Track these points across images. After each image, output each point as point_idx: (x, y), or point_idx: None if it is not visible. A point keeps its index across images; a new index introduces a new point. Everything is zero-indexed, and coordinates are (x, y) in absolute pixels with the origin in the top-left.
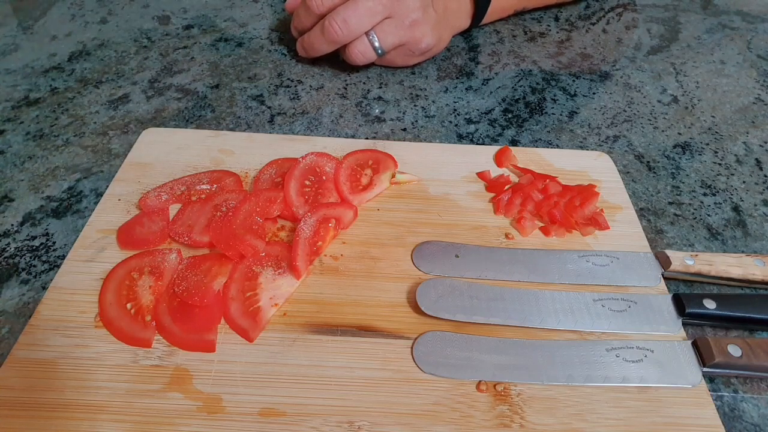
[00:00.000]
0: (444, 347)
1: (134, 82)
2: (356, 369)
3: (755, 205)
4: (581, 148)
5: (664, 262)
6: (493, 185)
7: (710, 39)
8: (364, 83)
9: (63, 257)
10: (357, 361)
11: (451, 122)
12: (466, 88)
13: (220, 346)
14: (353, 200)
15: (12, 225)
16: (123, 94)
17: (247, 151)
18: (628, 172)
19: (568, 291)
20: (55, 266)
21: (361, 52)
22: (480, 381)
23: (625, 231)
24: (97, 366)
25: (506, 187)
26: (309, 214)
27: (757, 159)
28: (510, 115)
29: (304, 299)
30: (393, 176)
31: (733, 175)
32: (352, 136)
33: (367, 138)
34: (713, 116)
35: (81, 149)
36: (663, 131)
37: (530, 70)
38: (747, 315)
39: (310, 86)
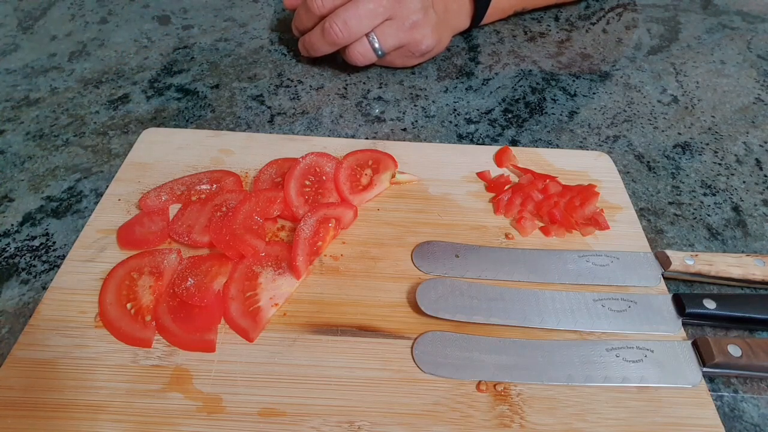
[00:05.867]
0: (444, 347)
1: (134, 82)
2: (356, 369)
3: (755, 205)
4: (581, 148)
5: (664, 262)
6: (493, 185)
7: (710, 39)
8: (364, 83)
9: (63, 257)
10: (357, 361)
11: (451, 122)
12: (466, 88)
13: (220, 346)
14: (353, 200)
15: (12, 225)
16: (123, 94)
17: (247, 151)
18: (628, 172)
19: (568, 291)
20: (55, 266)
21: (361, 54)
22: (480, 381)
23: (625, 231)
24: (97, 366)
25: (506, 187)
26: (309, 214)
27: (757, 159)
28: (510, 115)
29: (304, 299)
30: (393, 176)
31: (733, 175)
32: (352, 136)
33: (367, 138)
34: (713, 116)
35: (81, 149)
36: (663, 131)
37: (530, 70)
38: (747, 315)
39: (310, 86)
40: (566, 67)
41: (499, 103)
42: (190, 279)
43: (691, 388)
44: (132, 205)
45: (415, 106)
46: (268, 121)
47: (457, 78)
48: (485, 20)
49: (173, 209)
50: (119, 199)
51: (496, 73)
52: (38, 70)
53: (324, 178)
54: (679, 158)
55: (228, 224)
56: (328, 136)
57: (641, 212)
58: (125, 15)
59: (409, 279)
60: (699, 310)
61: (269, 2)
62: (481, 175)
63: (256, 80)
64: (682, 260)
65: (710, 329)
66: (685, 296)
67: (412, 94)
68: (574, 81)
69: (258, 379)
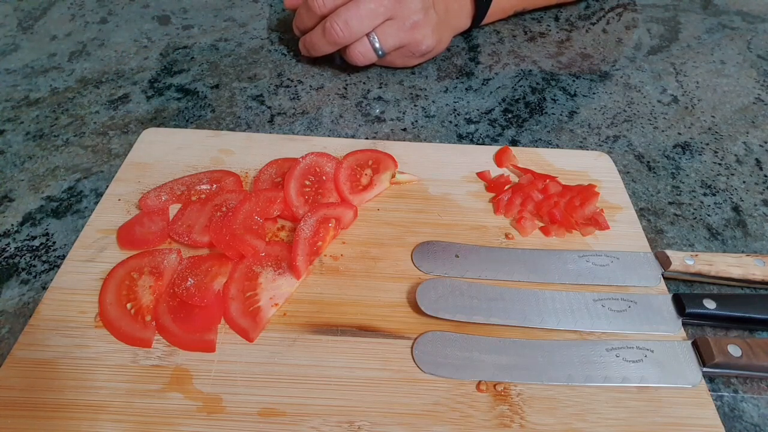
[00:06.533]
0: (444, 347)
1: (134, 82)
2: (356, 369)
3: (755, 205)
4: (581, 148)
5: (664, 262)
6: (493, 185)
7: (710, 39)
8: (364, 83)
9: (63, 257)
10: (357, 361)
11: (451, 122)
12: (466, 88)
13: (220, 346)
14: (353, 200)
15: (12, 225)
16: (123, 94)
17: (247, 151)
18: (628, 172)
19: (568, 291)
20: (55, 266)
21: (361, 53)
22: (480, 381)
23: (625, 231)
24: (97, 366)
25: (506, 187)
26: (309, 214)
27: (757, 159)
28: (510, 115)
29: (304, 299)
30: (393, 176)
31: (733, 175)
32: (352, 136)
33: (367, 138)
34: (713, 116)
35: (81, 149)
36: (663, 131)
37: (530, 70)
38: (747, 315)
39: (310, 86)
40: (566, 67)
41: (499, 103)
42: (190, 279)
43: (691, 388)
44: (132, 205)
45: (415, 106)
46: (268, 121)
47: (457, 78)
48: (486, 20)
49: (173, 209)
50: (119, 199)
51: (496, 73)
52: (38, 70)
53: (324, 178)
54: (679, 158)
55: (228, 224)
56: (328, 136)
57: (641, 212)
58: (125, 15)
59: (409, 279)
60: (699, 310)
61: (269, 2)
62: (481, 175)
63: (256, 80)
64: (682, 260)
65: (710, 329)
66: (685, 296)
67: (412, 94)
68: (574, 81)
69: (258, 379)
